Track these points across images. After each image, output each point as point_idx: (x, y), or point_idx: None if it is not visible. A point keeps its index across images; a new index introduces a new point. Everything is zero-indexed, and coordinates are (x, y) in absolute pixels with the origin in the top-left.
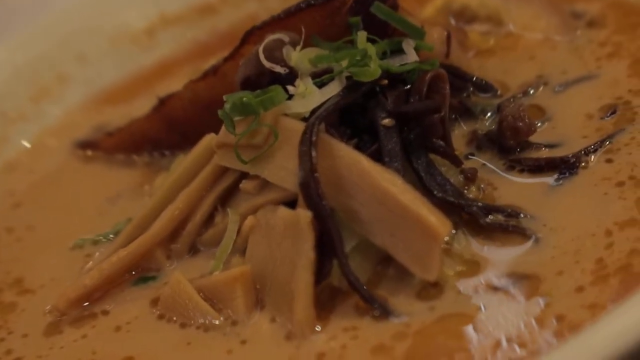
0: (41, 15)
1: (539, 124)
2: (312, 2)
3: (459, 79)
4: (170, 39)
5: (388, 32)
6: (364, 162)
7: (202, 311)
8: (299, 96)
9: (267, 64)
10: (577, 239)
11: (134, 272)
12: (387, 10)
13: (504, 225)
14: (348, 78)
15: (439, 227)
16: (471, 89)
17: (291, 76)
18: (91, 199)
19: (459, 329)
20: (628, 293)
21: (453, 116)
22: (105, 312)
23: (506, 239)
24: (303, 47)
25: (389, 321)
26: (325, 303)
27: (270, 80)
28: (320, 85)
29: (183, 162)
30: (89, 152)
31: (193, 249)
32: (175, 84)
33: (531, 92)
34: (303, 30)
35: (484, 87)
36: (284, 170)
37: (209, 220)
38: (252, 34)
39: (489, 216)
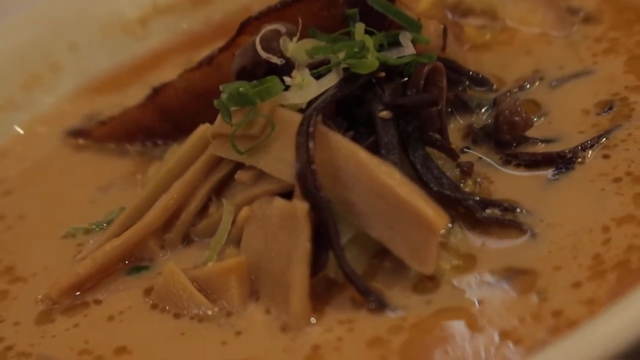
0: (34, 3)
1: (535, 119)
2: None
3: (455, 72)
4: (163, 28)
5: (385, 25)
6: (362, 154)
7: (196, 302)
8: (296, 87)
9: (263, 55)
10: (574, 235)
11: (127, 262)
12: (384, 3)
13: (501, 219)
14: (345, 70)
15: (436, 220)
16: (467, 82)
17: (287, 67)
18: (83, 188)
19: (456, 322)
20: (626, 289)
21: (449, 110)
22: (97, 302)
23: (503, 234)
24: (300, 38)
25: (385, 314)
26: (321, 295)
27: (266, 71)
28: (317, 77)
29: (177, 151)
30: (81, 141)
31: (187, 239)
32: (167, 74)
33: (527, 86)
34: (300, 21)
35: (480, 81)
36: (280, 161)
37: (203, 210)
38: (249, 24)
39: (486, 210)
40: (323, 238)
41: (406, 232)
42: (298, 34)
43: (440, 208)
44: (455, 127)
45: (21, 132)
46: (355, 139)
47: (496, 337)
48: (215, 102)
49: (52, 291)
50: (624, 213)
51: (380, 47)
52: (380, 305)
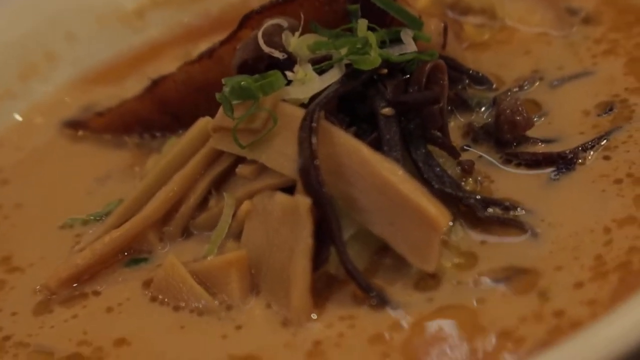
0: None
1: (535, 119)
2: None
3: (455, 70)
4: (160, 20)
5: (386, 22)
6: (365, 151)
7: (197, 295)
8: (298, 82)
9: (265, 49)
10: (575, 235)
11: (126, 254)
12: (386, 0)
13: (502, 218)
14: (347, 66)
15: (439, 217)
16: (466, 81)
17: (289, 62)
18: (80, 179)
19: (459, 321)
20: (628, 291)
21: (449, 108)
22: (96, 293)
23: (504, 233)
24: (301, 34)
25: (386, 311)
26: (322, 291)
27: (267, 65)
28: (319, 72)
29: (176, 144)
30: (79, 132)
31: (186, 232)
32: (165, 66)
33: (526, 86)
34: (302, 16)
35: (480, 79)
36: (282, 156)
37: (202, 204)
38: (250, 18)
39: (487, 209)
40: (325, 233)
41: (408, 230)
42: (300, 29)
43: (442, 206)
44: (455, 126)
45: (18, 121)
46: (357, 135)
47: (498, 337)
48: (217, 95)
49: (50, 282)
50: (625, 215)
51: (382, 44)
52: (381, 302)
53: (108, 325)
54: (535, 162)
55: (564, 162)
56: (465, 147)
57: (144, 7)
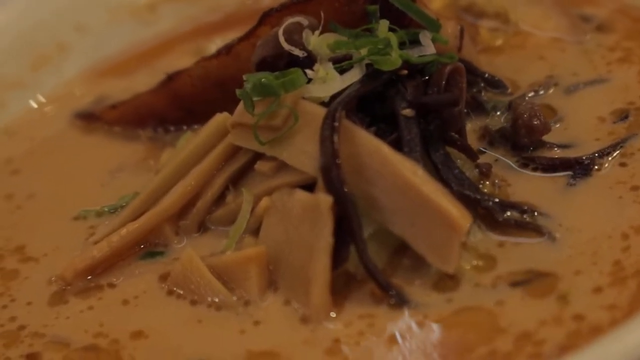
0: None
1: (551, 124)
2: None
3: (471, 74)
4: (171, 15)
5: (404, 23)
6: (386, 151)
7: (215, 290)
8: (319, 80)
9: (286, 46)
10: (593, 240)
11: (142, 246)
12: (405, 1)
13: (520, 222)
14: (367, 66)
15: (460, 219)
16: (482, 84)
17: (308, 60)
18: (92, 171)
19: (478, 322)
20: None
21: (465, 111)
22: (111, 285)
23: (522, 236)
24: (321, 33)
25: (406, 310)
26: (341, 290)
27: (286, 63)
28: (340, 72)
29: (193, 139)
30: (91, 124)
31: (202, 227)
32: (175, 61)
33: (541, 92)
34: (322, 15)
35: (495, 83)
36: (303, 153)
37: (219, 199)
38: (270, 16)
39: (506, 212)
40: (345, 232)
41: (429, 230)
42: (320, 28)
43: (463, 208)
44: (471, 129)
45: (28, 112)
46: (377, 135)
47: (517, 339)
48: (238, 91)
49: (66, 272)
50: None
51: (401, 45)
52: (400, 301)
53: (124, 317)
54: (552, 167)
55: (580, 168)
56: (481, 150)
57: (156, 1)
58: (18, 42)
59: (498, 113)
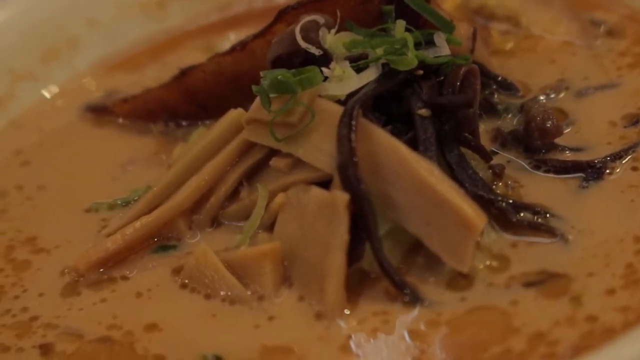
0: None
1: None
2: None
3: (483, 75)
4: (180, 11)
5: (419, 24)
6: (403, 150)
7: (229, 284)
8: (335, 79)
9: (302, 44)
10: (605, 243)
11: (156, 239)
12: (420, 2)
13: (533, 223)
14: (384, 65)
15: (475, 219)
16: (494, 86)
17: (323, 59)
18: (103, 164)
19: (492, 322)
20: None
21: (478, 112)
22: (124, 278)
23: (535, 237)
24: (337, 31)
25: (420, 308)
26: (354, 287)
27: (302, 61)
28: (356, 70)
29: (206, 134)
30: (101, 117)
31: (215, 222)
32: (184, 57)
33: (552, 95)
34: (338, 14)
35: (507, 85)
36: (319, 151)
37: (232, 194)
38: (286, 13)
39: (520, 213)
40: (361, 230)
41: (444, 229)
42: (337, 27)
43: (478, 208)
44: (483, 130)
45: (38, 104)
46: (393, 134)
47: (531, 339)
48: (255, 88)
49: (79, 264)
50: None
51: (417, 45)
52: (414, 299)
53: (138, 310)
54: (564, 169)
55: (593, 171)
56: (494, 151)
57: None
58: (29, 34)
59: (510, 115)
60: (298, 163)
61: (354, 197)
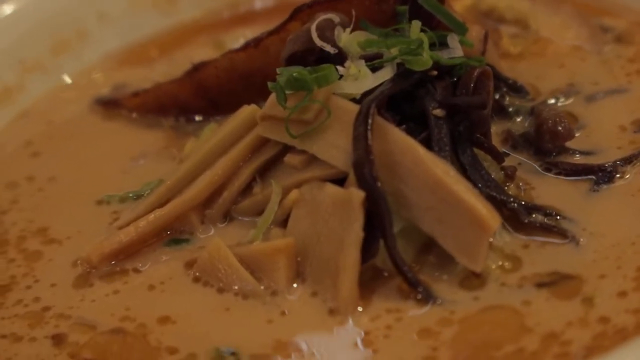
0: None
1: None
2: None
3: (495, 78)
4: (190, 7)
5: (432, 25)
6: (419, 149)
7: (242, 278)
8: (351, 77)
9: (318, 42)
10: (617, 246)
11: (169, 232)
12: (435, 3)
13: (545, 224)
14: (398, 65)
15: (489, 219)
16: (504, 89)
17: (338, 57)
18: (113, 157)
19: (505, 321)
20: None
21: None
22: (136, 270)
23: (547, 239)
24: (351, 30)
25: (433, 307)
26: (367, 284)
27: (316, 59)
28: (371, 70)
29: (219, 130)
30: (111, 110)
31: (228, 217)
32: (194, 53)
33: (562, 99)
34: (353, 13)
35: (517, 88)
36: (334, 148)
37: (245, 190)
38: (301, 12)
39: (532, 215)
40: (376, 227)
41: (458, 229)
42: (351, 26)
43: (493, 208)
44: (494, 132)
45: (48, 95)
46: (407, 134)
47: (544, 338)
48: (270, 84)
49: (92, 255)
50: None
51: (431, 46)
52: (428, 297)
53: (151, 302)
54: (575, 172)
55: (603, 175)
56: (505, 152)
57: None
58: (40, 26)
59: (520, 118)
60: (312, 160)
61: (369, 195)
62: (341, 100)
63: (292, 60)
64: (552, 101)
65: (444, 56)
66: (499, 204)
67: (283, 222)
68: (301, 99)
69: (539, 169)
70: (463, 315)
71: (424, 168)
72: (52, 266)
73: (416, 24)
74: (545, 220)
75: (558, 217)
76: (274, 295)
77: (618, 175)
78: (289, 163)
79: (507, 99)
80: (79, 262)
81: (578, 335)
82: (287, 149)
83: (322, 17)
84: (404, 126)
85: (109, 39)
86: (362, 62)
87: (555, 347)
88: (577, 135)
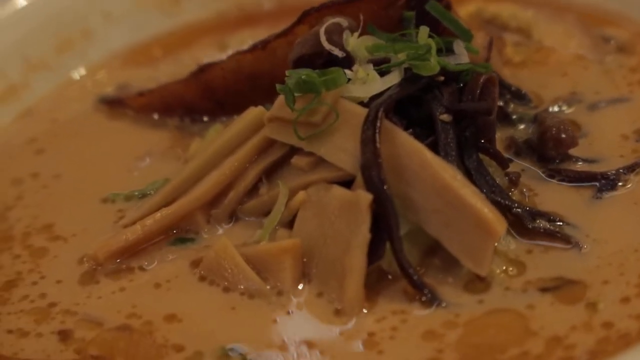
0: None
1: None
2: None
3: (499, 85)
4: (194, 8)
5: (438, 31)
6: (426, 153)
7: (248, 278)
8: (359, 81)
9: (326, 46)
10: (620, 253)
11: (175, 231)
12: (441, 10)
13: (549, 230)
14: (406, 70)
15: (496, 223)
16: (508, 96)
17: (345, 61)
18: (118, 156)
19: (509, 324)
20: None
21: None
22: (142, 269)
23: (550, 244)
24: (359, 35)
25: (438, 309)
26: (373, 285)
27: (324, 62)
28: (379, 74)
29: (225, 131)
30: (116, 109)
31: (233, 217)
32: (197, 54)
33: (564, 107)
34: (361, 17)
35: (521, 96)
36: (342, 151)
37: (251, 191)
38: (309, 15)
39: (536, 220)
40: (382, 230)
41: (464, 232)
42: (359, 30)
43: (499, 213)
44: (498, 138)
45: (52, 93)
46: (414, 138)
47: (548, 342)
48: (279, 86)
49: (99, 253)
50: None
51: (438, 52)
52: (433, 300)
53: (157, 300)
54: (578, 179)
55: (606, 183)
56: (509, 158)
57: None
58: (45, 25)
59: (523, 125)
60: (320, 162)
61: (376, 198)
62: (349, 103)
63: (299, 63)
64: (555, 109)
65: (450, 62)
66: (504, 209)
67: (289, 223)
68: (309, 101)
69: (542, 175)
70: (468, 318)
71: (431, 172)
72: (58, 263)
73: (424, 30)
74: (549, 226)
75: (561, 224)
76: (279, 295)
77: (621, 183)
78: (296, 165)
79: (511, 106)
80: (85, 259)
81: (582, 339)
82: (293, 151)
83: (331, 20)
84: (410, 130)
85: (114, 38)
86: (370, 66)
87: (559, 350)
88: (580, 142)
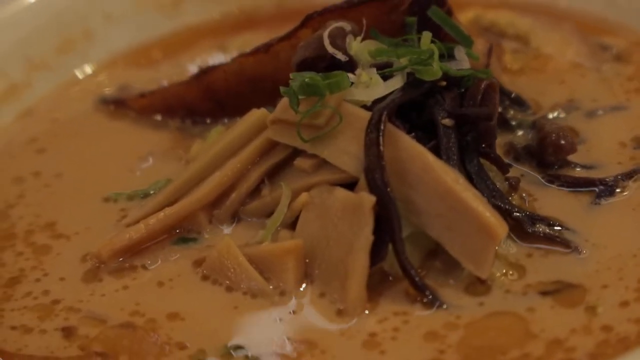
0: None
1: None
2: None
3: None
4: (194, 11)
5: (439, 37)
6: (429, 157)
7: (251, 278)
8: (362, 85)
9: (330, 49)
10: (619, 258)
11: (177, 231)
12: (443, 15)
13: (549, 235)
14: (408, 75)
15: (497, 227)
16: (507, 102)
17: (348, 64)
18: (119, 156)
19: (510, 327)
20: None
21: None
22: (145, 267)
23: (550, 248)
24: (362, 39)
25: (439, 311)
26: (375, 287)
27: (327, 66)
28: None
29: (228, 132)
30: (117, 110)
31: (236, 218)
32: (197, 56)
33: (562, 114)
34: (364, 22)
35: (520, 102)
36: (345, 153)
37: (253, 192)
38: (312, 19)
39: (536, 225)
40: (385, 232)
41: (466, 236)
42: (362, 34)
43: (500, 217)
44: (497, 144)
45: (52, 93)
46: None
47: (549, 344)
48: (283, 89)
49: (103, 251)
50: None
51: (440, 58)
52: (434, 301)
53: (160, 298)
54: (577, 185)
55: (605, 188)
56: (509, 163)
57: None
58: (46, 25)
59: (522, 131)
60: (322, 164)
61: (379, 200)
62: (352, 106)
63: (303, 66)
64: (553, 116)
65: (451, 67)
66: (504, 213)
67: (291, 225)
68: (313, 104)
69: (542, 180)
70: (469, 320)
71: (433, 175)
72: (61, 260)
73: (427, 35)
74: (549, 230)
75: (561, 228)
76: (282, 295)
77: (619, 190)
78: (299, 167)
79: (510, 112)
80: (88, 257)
81: (582, 342)
82: (296, 153)
83: (334, 25)
84: (412, 134)
85: (115, 39)
86: (374, 70)
87: (559, 353)
88: (578, 149)
